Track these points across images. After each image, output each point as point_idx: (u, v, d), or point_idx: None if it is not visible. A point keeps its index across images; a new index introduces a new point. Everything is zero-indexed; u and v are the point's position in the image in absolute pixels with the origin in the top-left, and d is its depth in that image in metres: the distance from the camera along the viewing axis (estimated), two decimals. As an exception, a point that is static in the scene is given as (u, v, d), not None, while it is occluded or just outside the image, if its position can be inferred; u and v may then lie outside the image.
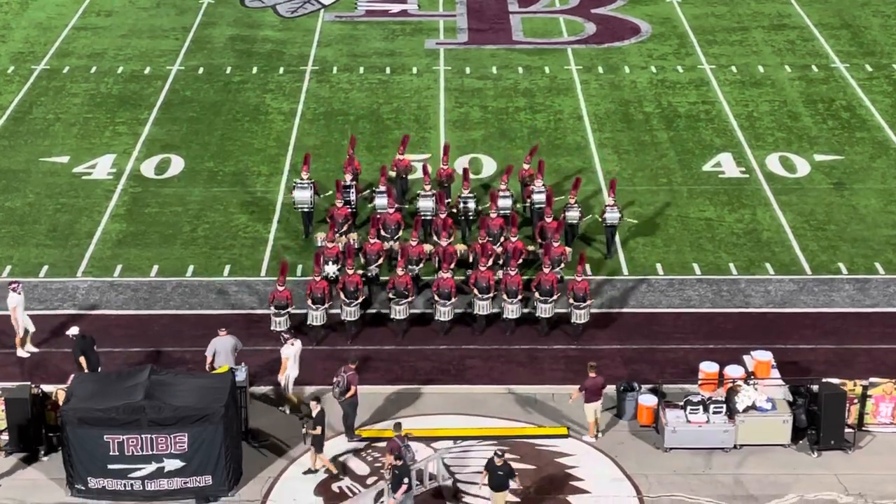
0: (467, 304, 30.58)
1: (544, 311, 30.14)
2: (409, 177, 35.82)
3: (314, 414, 25.98)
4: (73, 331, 28.18)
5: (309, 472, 26.13)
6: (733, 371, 27.87)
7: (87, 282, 32.58)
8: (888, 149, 39.21)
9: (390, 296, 29.99)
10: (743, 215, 35.65)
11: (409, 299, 30.06)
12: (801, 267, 33.37)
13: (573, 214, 33.36)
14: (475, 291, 30.10)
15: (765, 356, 28.31)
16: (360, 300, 30.12)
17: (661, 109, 41.67)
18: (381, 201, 33.29)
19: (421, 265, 31.49)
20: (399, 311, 30.04)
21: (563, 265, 31.39)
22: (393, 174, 35.10)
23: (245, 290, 32.29)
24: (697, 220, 35.48)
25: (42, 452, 26.65)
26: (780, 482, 26.16)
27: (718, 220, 35.43)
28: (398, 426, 25.75)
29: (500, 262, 31.31)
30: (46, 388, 27.20)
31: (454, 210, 33.62)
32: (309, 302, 29.69)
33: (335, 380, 27.18)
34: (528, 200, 34.19)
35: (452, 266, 30.75)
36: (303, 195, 33.73)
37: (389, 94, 42.89)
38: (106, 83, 43.46)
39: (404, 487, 24.35)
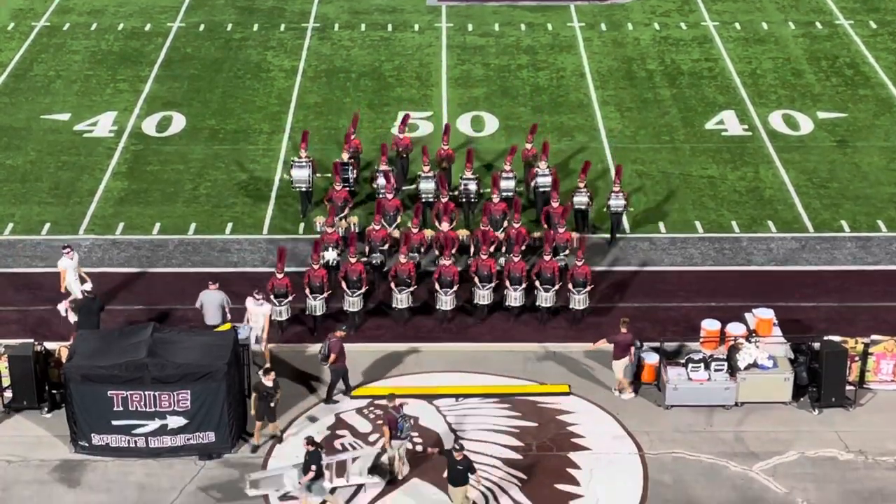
0: (469, 293, 29.44)
1: (545, 300, 29.13)
2: (410, 162, 34.42)
3: (270, 387, 25.54)
4: (87, 287, 28.21)
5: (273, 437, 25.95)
6: (735, 329, 27.92)
7: (89, 239, 32.59)
8: (891, 106, 39.08)
9: (392, 284, 28.95)
10: (745, 173, 35.59)
11: (412, 288, 29.12)
12: (804, 225, 33.35)
13: (582, 199, 31.93)
14: (476, 280, 29.14)
15: (766, 314, 28.34)
16: (364, 290, 29.04)
17: (664, 67, 41.50)
18: (382, 182, 32.22)
19: (423, 252, 30.40)
20: (401, 300, 29.07)
21: (567, 252, 30.03)
22: (393, 153, 34.01)
23: (247, 249, 32.30)
24: (700, 178, 35.42)
25: (45, 409, 26.76)
26: (781, 439, 26.27)
27: (721, 178, 35.37)
28: (392, 397, 25.43)
29: (503, 248, 30.35)
30: (49, 345, 27.28)
31: (455, 192, 32.53)
32: (307, 291, 28.62)
33: (320, 346, 27.36)
34: (532, 183, 32.93)
35: (454, 252, 29.87)
36: (301, 174, 32.66)
37: (391, 51, 42.72)
38: (107, 40, 43.30)
39: (311, 474, 23.76)
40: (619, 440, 26.26)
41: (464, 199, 32.53)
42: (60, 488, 24.96)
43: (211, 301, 28.05)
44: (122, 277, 30.91)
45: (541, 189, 32.54)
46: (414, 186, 32.80)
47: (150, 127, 37.83)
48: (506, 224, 30.91)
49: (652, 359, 27.58)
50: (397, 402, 25.17)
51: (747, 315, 28.57)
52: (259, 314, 27.74)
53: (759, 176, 35.45)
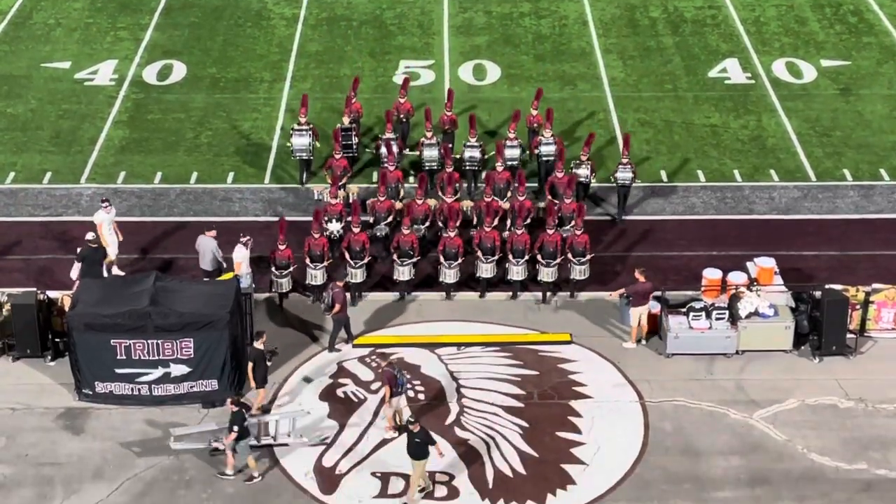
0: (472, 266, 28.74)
1: (547, 274, 28.38)
2: (411, 127, 33.49)
3: (263, 350, 25.39)
4: (90, 236, 28.24)
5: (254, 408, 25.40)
6: (736, 277, 27.95)
7: (90, 188, 32.58)
8: (895, 54, 38.88)
9: (394, 256, 28.31)
10: (748, 121, 35.49)
11: (414, 259, 28.41)
12: (806, 173, 33.30)
13: (584, 172, 30.99)
14: (479, 253, 28.37)
15: (768, 263, 28.37)
16: (367, 261, 28.44)
17: (666, 14, 41.25)
18: (385, 151, 31.23)
19: (427, 224, 29.48)
20: (403, 272, 28.35)
21: (573, 223, 28.92)
22: (395, 118, 32.82)
23: (249, 198, 32.28)
24: (702, 126, 35.32)
25: (49, 357, 26.87)
26: (782, 387, 26.38)
27: (723, 127, 35.28)
28: (384, 356, 25.32)
29: (507, 220, 29.47)
30: (52, 294, 27.35)
31: (458, 157, 31.45)
32: (307, 260, 28.08)
33: (323, 295, 27.39)
34: (536, 151, 31.72)
35: (458, 224, 28.83)
36: (301, 141, 31.63)
37: (393, -2, 42.47)
38: (106, -12, 43.02)
39: (234, 434, 23.60)
40: (620, 388, 26.38)
41: (467, 167, 31.55)
42: (64, 436, 25.12)
43: (203, 246, 28.22)
44: (123, 227, 30.89)
45: (544, 158, 31.51)
46: (417, 154, 31.84)
47: (151, 75, 37.69)
48: (509, 195, 30.09)
49: (653, 307, 27.63)
50: (391, 358, 25.12)
51: (749, 264, 28.60)
52: (245, 259, 27.78)
53: (761, 124, 35.35)
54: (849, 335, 27.22)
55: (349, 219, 29.14)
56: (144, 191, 32.52)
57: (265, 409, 25.51)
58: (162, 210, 31.82)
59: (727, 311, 27.13)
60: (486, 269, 28.53)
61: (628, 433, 25.26)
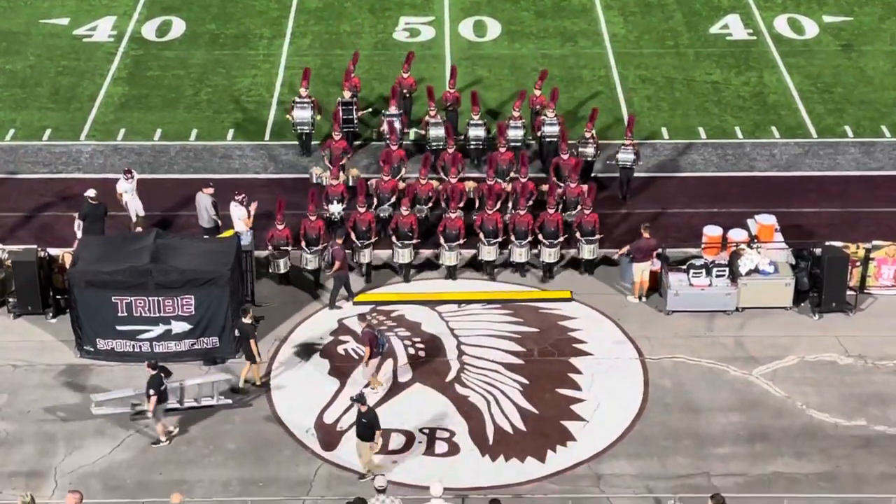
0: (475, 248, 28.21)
1: (549, 255, 27.86)
2: (413, 102, 32.73)
3: (250, 324, 24.92)
4: (90, 192, 28.20)
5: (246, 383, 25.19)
6: (737, 235, 27.95)
7: (90, 145, 32.51)
8: (898, 10, 38.70)
9: (393, 238, 27.72)
10: (749, 78, 35.35)
11: (414, 241, 27.76)
12: (807, 130, 33.22)
13: (589, 151, 30.26)
14: (481, 235, 27.77)
15: (769, 220, 28.35)
16: (374, 241, 27.82)
17: (668, -30, 40.95)
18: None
19: (430, 205, 28.82)
20: (403, 255, 27.74)
21: (578, 208, 28.24)
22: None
23: (249, 155, 32.22)
24: (704, 83, 35.20)
25: (50, 315, 26.92)
26: (781, 344, 26.44)
27: (725, 83, 35.15)
28: (363, 317, 25.04)
29: (510, 202, 28.76)
30: (53, 251, 27.36)
31: (461, 137, 30.74)
32: (303, 243, 27.41)
33: (323, 253, 27.38)
34: (539, 132, 30.96)
35: (461, 206, 28.23)
36: (302, 114, 30.96)
37: (392, -46, 42.11)
38: (104, -57, 42.71)
39: (154, 399, 23.48)
40: (620, 345, 26.44)
41: (472, 147, 30.94)
42: (66, 392, 25.21)
43: (200, 203, 28.22)
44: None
45: (548, 139, 30.69)
46: (423, 133, 31.03)
47: (150, 31, 37.51)
48: (512, 175, 29.37)
49: (653, 265, 27.64)
50: (370, 321, 24.74)
51: (749, 221, 28.58)
52: (242, 217, 27.76)
53: (763, 81, 35.22)
54: (849, 292, 27.25)
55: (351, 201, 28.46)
56: (144, 148, 32.46)
57: (265, 384, 25.39)
58: (162, 167, 31.77)
59: (727, 269, 27.14)
60: (488, 252, 27.95)
61: (628, 390, 25.34)
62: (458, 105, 32.09)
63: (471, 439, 24.24)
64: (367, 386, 24.99)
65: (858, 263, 27.40)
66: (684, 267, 27.32)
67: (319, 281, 27.80)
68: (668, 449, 24.06)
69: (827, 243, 27.51)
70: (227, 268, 25.54)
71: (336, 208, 28.48)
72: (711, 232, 28.11)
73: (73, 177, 31.03)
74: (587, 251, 28.01)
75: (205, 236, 28.07)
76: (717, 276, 27.07)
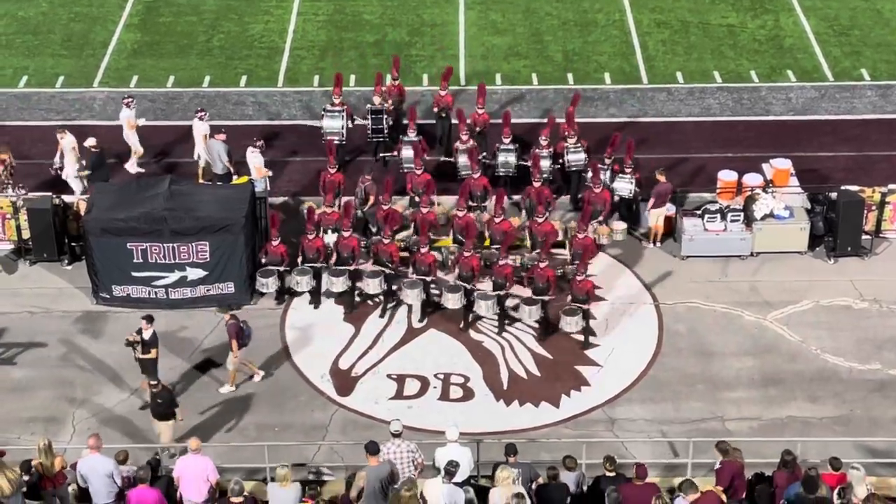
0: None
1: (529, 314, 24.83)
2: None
3: (146, 336, 23.29)
4: (91, 141, 28.21)
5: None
6: (752, 179, 27.83)
7: (103, 92, 32.46)
8: (916, -49, 38.22)
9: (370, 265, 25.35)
10: (766, 21, 35.05)
11: (387, 271, 25.21)
12: (823, 73, 32.98)
13: (626, 186, 26.96)
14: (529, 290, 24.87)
15: (784, 164, 28.22)
16: (352, 268, 25.48)
17: (683, -89, 40.48)
18: (407, 154, 27.54)
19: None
20: (372, 285, 25.27)
21: (574, 264, 25.04)
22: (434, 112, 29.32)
23: (262, 101, 32.14)
24: (719, 26, 34.91)
25: (66, 262, 27.02)
26: (796, 288, 26.41)
27: (741, 27, 34.86)
28: (224, 309, 23.90)
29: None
30: (67, 198, 27.41)
31: (485, 160, 27.72)
32: (299, 261, 25.71)
33: (356, 190, 27.23)
34: (561, 160, 27.67)
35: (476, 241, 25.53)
36: (333, 124, 28.39)
37: None
38: None
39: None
40: (635, 291, 26.42)
41: (501, 174, 27.64)
42: (83, 339, 25.36)
43: (213, 148, 28.10)
44: (138, 130, 30.82)
45: (573, 167, 27.48)
46: (453, 159, 27.91)
47: (162, -23, 37.31)
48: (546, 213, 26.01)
49: (668, 210, 27.58)
50: (228, 314, 23.71)
51: (765, 165, 28.46)
52: (259, 163, 27.74)
53: (779, 24, 34.92)
54: (864, 236, 27.17)
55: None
56: (157, 94, 32.40)
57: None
58: (175, 114, 31.71)
59: (742, 213, 27.07)
60: (451, 300, 24.98)
61: (642, 335, 25.37)
62: (487, 128, 28.66)
63: (485, 384, 24.33)
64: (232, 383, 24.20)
65: (874, 207, 27.30)
66: (699, 212, 27.25)
67: (319, 303, 26.10)
68: (682, 393, 24.13)
69: (842, 187, 27.39)
70: (242, 214, 25.57)
71: (330, 238, 25.99)
72: (726, 176, 27.99)
73: (86, 123, 30.99)
74: (570, 323, 24.64)
75: (218, 183, 28.06)
76: (732, 221, 27.01)
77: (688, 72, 33.11)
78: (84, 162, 28.06)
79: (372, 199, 26.80)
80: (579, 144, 27.67)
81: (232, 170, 28.26)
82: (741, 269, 26.97)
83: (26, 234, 27.01)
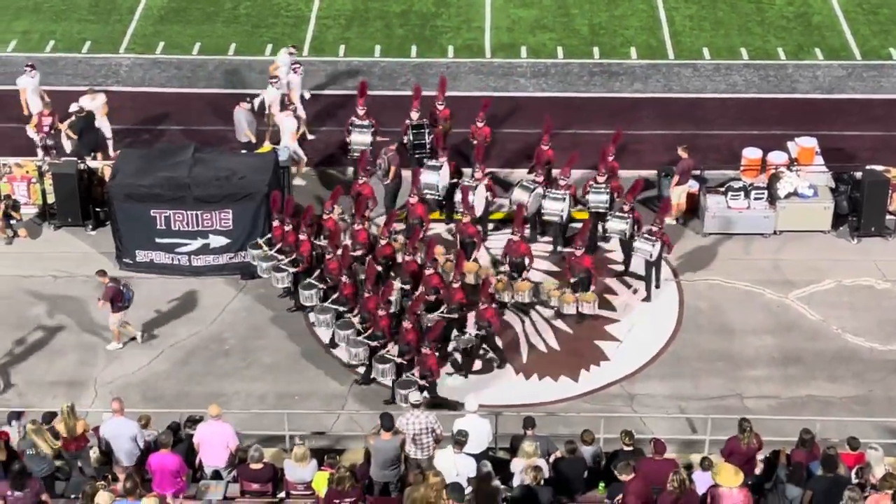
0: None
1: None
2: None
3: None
4: (74, 107, 28.09)
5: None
6: (776, 157, 27.73)
7: (129, 58, 32.52)
8: (949, -71, 37.84)
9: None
10: (794, -2, 34.87)
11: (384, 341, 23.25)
12: (851, 52, 32.77)
13: (621, 227, 25.37)
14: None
15: (809, 142, 28.10)
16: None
17: None
18: (430, 178, 26.01)
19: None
20: (356, 354, 23.45)
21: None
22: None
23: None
24: (747, 2, 34.69)
25: (90, 227, 27.15)
26: (818, 267, 26.35)
27: (769, 3, 34.64)
28: (102, 273, 23.96)
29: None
30: (92, 164, 27.52)
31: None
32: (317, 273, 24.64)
33: (378, 161, 27.21)
34: (583, 200, 26.11)
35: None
36: (362, 139, 27.04)
37: None
38: None
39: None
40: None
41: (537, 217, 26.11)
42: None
43: (238, 118, 28.11)
44: (162, 97, 30.90)
45: (592, 208, 25.79)
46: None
47: (189, -56, 37.25)
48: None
49: (691, 186, 27.51)
50: (108, 277, 23.79)
51: (790, 143, 28.34)
52: (286, 129, 27.71)
53: (807, 1, 34.68)
54: (888, 216, 27.06)
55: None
56: (183, 62, 32.43)
57: None
58: (201, 81, 31.74)
59: (766, 191, 26.98)
60: (381, 371, 23.16)
61: (663, 311, 25.37)
62: (488, 141, 27.35)
63: (505, 356, 24.38)
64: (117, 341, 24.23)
65: (899, 188, 27.19)
66: (723, 189, 27.18)
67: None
68: (702, 370, 24.14)
69: (868, 167, 27.26)
70: (265, 183, 25.62)
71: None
72: (751, 154, 27.89)
73: (112, 89, 31.02)
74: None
75: (243, 151, 28.12)
76: (756, 199, 26.92)
77: (714, 48, 32.95)
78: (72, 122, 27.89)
79: (393, 170, 26.75)
80: (604, 185, 25.65)
81: (254, 139, 28.29)
82: (764, 246, 26.91)
83: (51, 199, 27.16)
